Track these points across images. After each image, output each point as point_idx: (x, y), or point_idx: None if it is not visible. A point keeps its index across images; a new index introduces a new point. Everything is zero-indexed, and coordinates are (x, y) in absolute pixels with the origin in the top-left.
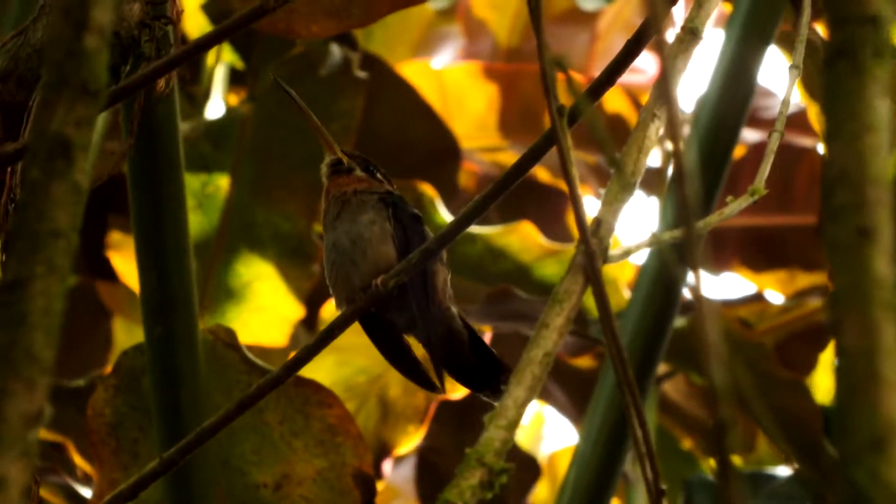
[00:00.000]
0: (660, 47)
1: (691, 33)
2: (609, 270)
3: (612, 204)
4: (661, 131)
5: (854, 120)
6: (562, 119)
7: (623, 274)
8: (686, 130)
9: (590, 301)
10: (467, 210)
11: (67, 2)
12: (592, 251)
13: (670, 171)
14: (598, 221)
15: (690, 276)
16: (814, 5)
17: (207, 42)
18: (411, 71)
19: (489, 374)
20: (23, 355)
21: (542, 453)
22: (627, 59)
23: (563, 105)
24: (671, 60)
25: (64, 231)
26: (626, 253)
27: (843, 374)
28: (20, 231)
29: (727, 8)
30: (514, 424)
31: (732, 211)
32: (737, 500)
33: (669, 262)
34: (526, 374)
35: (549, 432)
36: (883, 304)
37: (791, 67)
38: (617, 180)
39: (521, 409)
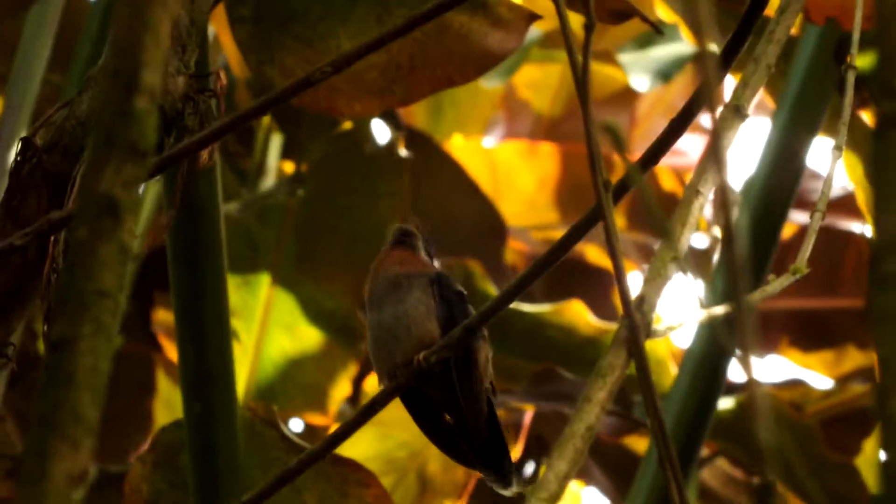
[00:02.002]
0: (712, 115)
1: (736, 111)
2: (655, 351)
3: (656, 280)
4: (709, 212)
5: None
6: (607, 193)
7: (668, 354)
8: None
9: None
10: (511, 285)
11: (118, 64)
12: (636, 325)
13: (716, 253)
14: (641, 297)
15: (738, 352)
16: (859, 93)
17: (250, 114)
18: (460, 149)
19: (493, 452)
20: (69, 415)
21: None
22: (679, 130)
23: (609, 179)
24: (719, 135)
25: (111, 291)
26: (670, 328)
27: (889, 443)
28: (67, 291)
29: (769, 101)
30: (555, 497)
31: (775, 289)
32: None
33: (720, 334)
34: (568, 448)
35: None
36: None
37: (834, 148)
38: (661, 256)
39: (562, 482)
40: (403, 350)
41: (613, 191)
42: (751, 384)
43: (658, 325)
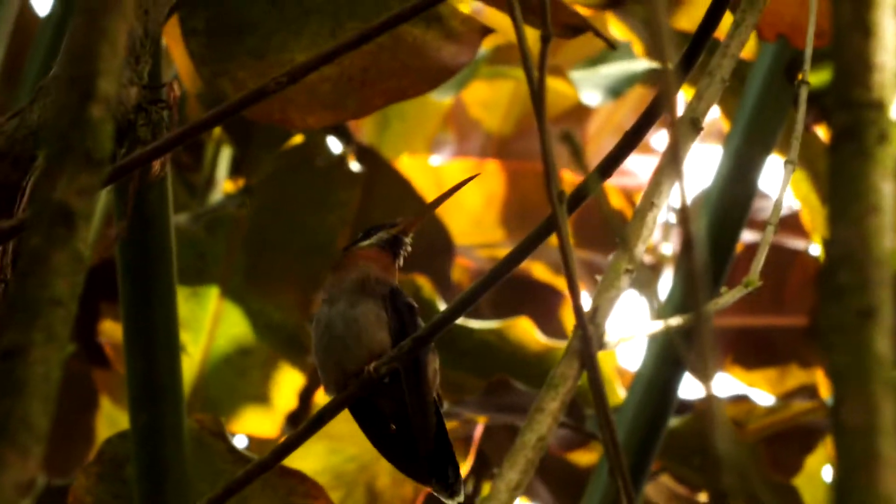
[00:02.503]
0: (670, 124)
1: (692, 123)
2: (602, 369)
3: (610, 291)
4: (660, 222)
5: (858, 201)
6: (561, 204)
7: (615, 374)
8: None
9: (587, 397)
10: (461, 297)
11: (74, 72)
12: (589, 336)
13: (664, 271)
14: (594, 308)
15: (696, 363)
16: (811, 110)
17: (202, 125)
18: (408, 166)
19: (440, 463)
20: (19, 424)
21: None
22: (634, 141)
23: (563, 190)
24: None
25: (64, 300)
26: (623, 339)
27: (842, 453)
28: (19, 299)
29: (725, 125)
30: None
31: (727, 301)
32: None
33: (676, 345)
34: (519, 458)
35: None
36: (884, 383)
37: (787, 162)
38: (615, 267)
39: (513, 493)
40: (353, 359)
41: (568, 202)
42: (709, 396)
43: (610, 337)
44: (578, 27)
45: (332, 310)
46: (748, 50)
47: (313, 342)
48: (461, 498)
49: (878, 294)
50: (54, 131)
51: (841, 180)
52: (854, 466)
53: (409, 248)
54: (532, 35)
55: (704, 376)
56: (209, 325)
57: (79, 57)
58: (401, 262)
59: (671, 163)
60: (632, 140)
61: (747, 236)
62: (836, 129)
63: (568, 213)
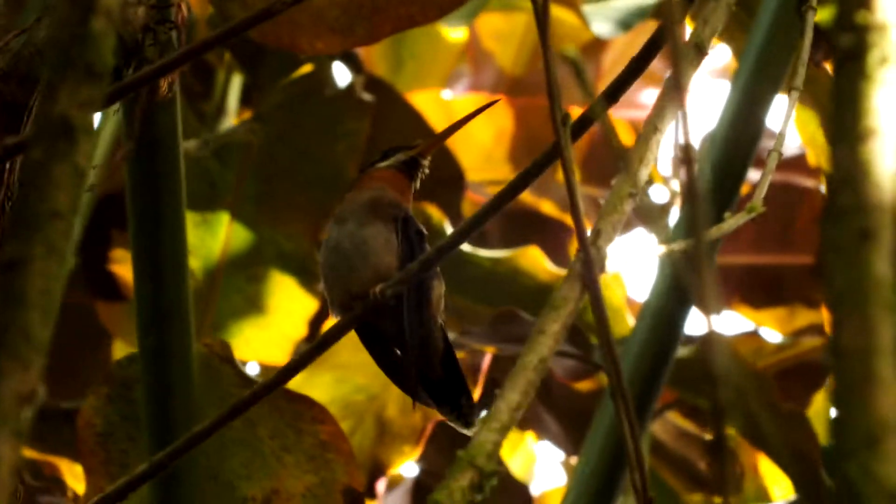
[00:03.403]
0: (673, 48)
1: (696, 48)
2: (611, 300)
3: (613, 215)
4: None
5: (859, 123)
6: (565, 128)
7: (624, 304)
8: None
9: (594, 327)
10: (469, 221)
11: None
12: (591, 258)
13: (675, 207)
14: (597, 231)
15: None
16: (820, 47)
17: (209, 43)
18: (420, 100)
19: (452, 391)
20: (19, 335)
21: (533, 492)
22: (640, 67)
23: (568, 114)
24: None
25: (64, 213)
26: (626, 263)
27: (840, 374)
28: (19, 212)
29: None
30: (506, 428)
31: (731, 226)
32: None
33: (679, 271)
34: (520, 379)
35: (539, 471)
36: (882, 305)
37: (791, 89)
38: (618, 190)
39: (513, 413)
40: (360, 281)
41: (573, 127)
42: (709, 323)
43: (612, 261)
44: None
45: (342, 230)
46: None
47: (321, 261)
48: (475, 426)
49: (878, 216)
50: (55, 45)
51: (842, 102)
52: (852, 387)
53: (427, 171)
54: None
55: (705, 301)
56: (219, 251)
57: None
58: (417, 184)
59: (674, 87)
60: (638, 66)
61: (754, 175)
62: (839, 51)
63: (573, 139)
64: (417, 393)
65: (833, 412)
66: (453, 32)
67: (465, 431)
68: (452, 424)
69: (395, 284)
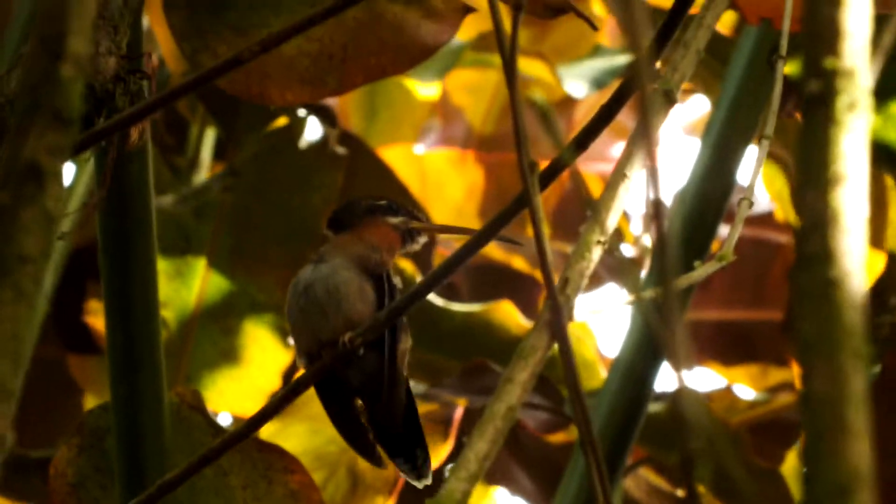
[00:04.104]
0: (642, 95)
1: (665, 95)
2: (582, 354)
3: (580, 263)
4: (641, 214)
5: (828, 169)
6: (533, 175)
7: (597, 359)
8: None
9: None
10: (438, 269)
11: (44, 31)
12: (559, 307)
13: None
14: (565, 279)
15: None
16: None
17: (179, 91)
18: (391, 154)
19: (408, 444)
20: None
21: None
22: (609, 115)
23: (535, 162)
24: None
25: (33, 257)
26: (594, 311)
27: (809, 422)
28: None
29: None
30: (474, 477)
31: (700, 275)
32: None
33: (649, 320)
34: (488, 428)
35: None
36: (852, 353)
37: (762, 138)
38: (586, 239)
39: (482, 462)
40: (330, 328)
41: (541, 175)
42: (679, 377)
43: (581, 310)
44: (559, 7)
45: (315, 271)
46: (728, 27)
47: (288, 303)
48: (429, 480)
49: (846, 262)
50: (24, 90)
51: (810, 148)
52: (822, 437)
53: (416, 248)
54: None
55: (676, 353)
56: (193, 303)
57: (49, 17)
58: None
59: (643, 133)
60: (607, 113)
61: (724, 231)
62: (807, 96)
63: (541, 187)
64: (374, 449)
65: (804, 464)
66: (424, 89)
67: (417, 484)
68: (405, 477)
69: (364, 333)
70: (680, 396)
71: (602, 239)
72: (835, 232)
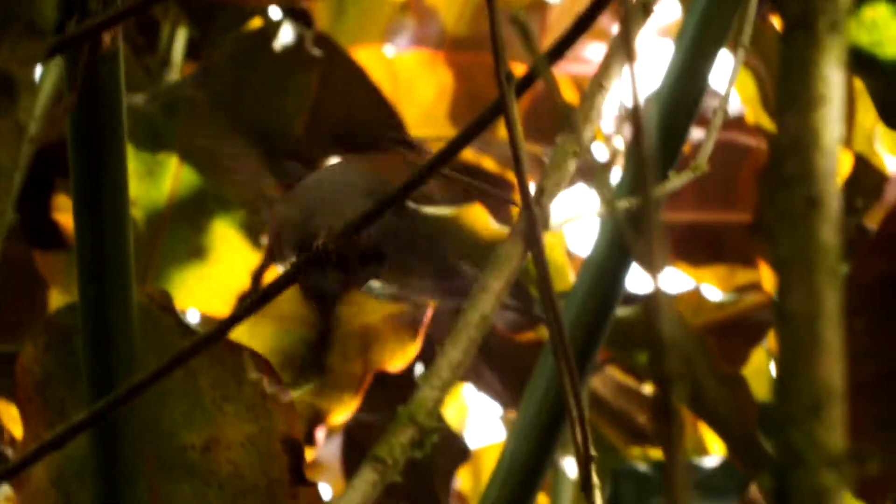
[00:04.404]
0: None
1: (643, 6)
2: (553, 257)
3: (556, 173)
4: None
5: (808, 91)
6: (510, 85)
7: (566, 262)
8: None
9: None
10: (414, 175)
11: None
12: (534, 216)
13: (617, 165)
14: (540, 189)
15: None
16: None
17: None
18: (362, 56)
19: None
20: None
21: (468, 445)
22: (587, 22)
23: (512, 72)
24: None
25: (6, 169)
26: (569, 220)
27: (785, 339)
28: None
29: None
30: (447, 385)
31: (675, 186)
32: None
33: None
34: (462, 336)
35: (474, 424)
36: (828, 272)
37: (738, 47)
38: (562, 148)
39: (455, 370)
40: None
41: (517, 84)
42: (655, 283)
43: (556, 219)
44: None
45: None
46: None
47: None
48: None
49: (825, 184)
50: None
51: (791, 70)
52: (796, 353)
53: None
54: None
55: (651, 261)
56: (164, 203)
57: None
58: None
59: (622, 44)
60: (584, 23)
61: (696, 134)
62: (788, 18)
63: (517, 95)
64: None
65: (776, 378)
66: None
67: None
68: None
69: (338, 239)
70: (654, 306)
71: (578, 149)
72: (814, 153)
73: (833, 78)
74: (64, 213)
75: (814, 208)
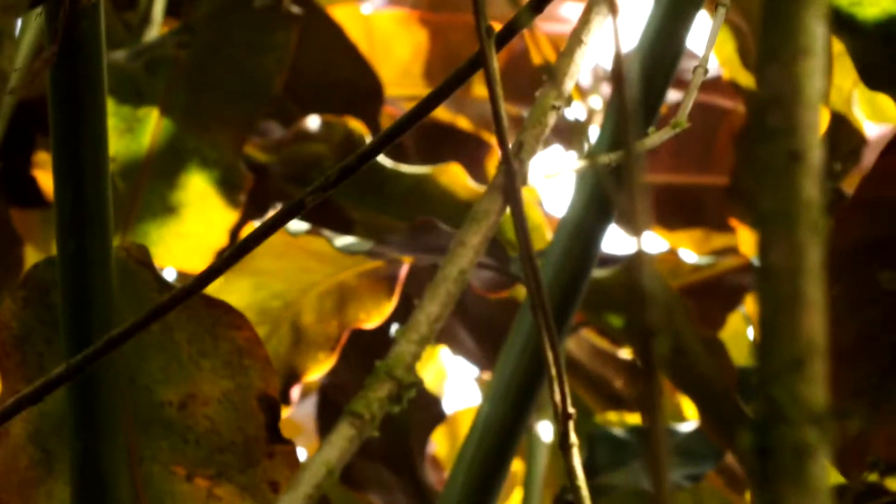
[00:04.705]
0: None
1: None
2: (531, 216)
3: (536, 127)
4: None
5: (790, 43)
6: (490, 39)
7: (544, 222)
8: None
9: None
10: (391, 129)
11: None
12: (513, 170)
13: (594, 123)
14: (519, 143)
15: (625, 203)
16: None
17: None
18: (340, 14)
19: None
20: None
21: (445, 409)
22: None
23: (491, 26)
24: None
25: None
26: (548, 175)
27: (766, 295)
28: None
29: None
30: (425, 339)
31: (654, 142)
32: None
33: (605, 183)
34: (440, 290)
35: (450, 387)
36: (810, 226)
37: (719, 5)
38: (542, 102)
39: (432, 325)
40: None
41: (497, 38)
42: (638, 242)
43: (534, 175)
44: None
45: None
46: None
47: None
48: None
49: (808, 137)
50: None
51: (773, 22)
52: (778, 308)
53: None
54: None
55: (633, 216)
56: (143, 159)
57: None
58: None
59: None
60: None
61: (672, 96)
62: None
63: (497, 49)
64: None
65: (757, 334)
66: None
67: None
68: None
69: (314, 190)
70: (637, 262)
71: (558, 104)
72: (796, 106)
73: (816, 30)
74: (42, 170)
75: (796, 162)
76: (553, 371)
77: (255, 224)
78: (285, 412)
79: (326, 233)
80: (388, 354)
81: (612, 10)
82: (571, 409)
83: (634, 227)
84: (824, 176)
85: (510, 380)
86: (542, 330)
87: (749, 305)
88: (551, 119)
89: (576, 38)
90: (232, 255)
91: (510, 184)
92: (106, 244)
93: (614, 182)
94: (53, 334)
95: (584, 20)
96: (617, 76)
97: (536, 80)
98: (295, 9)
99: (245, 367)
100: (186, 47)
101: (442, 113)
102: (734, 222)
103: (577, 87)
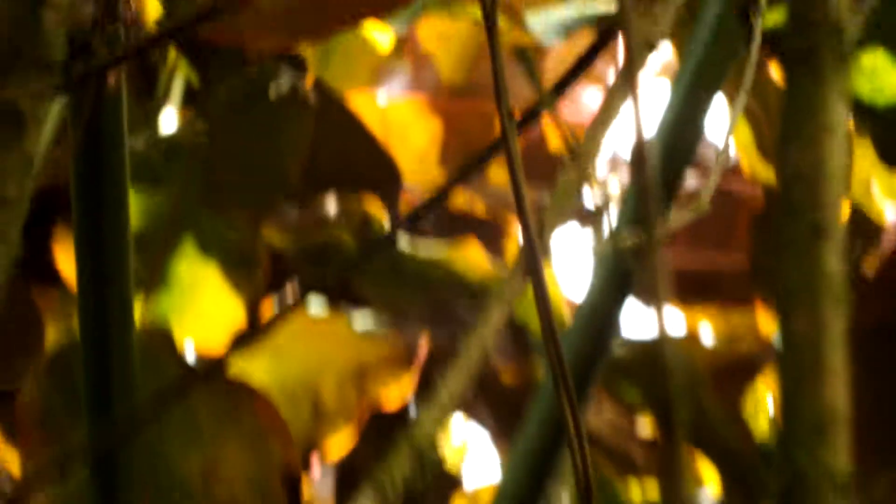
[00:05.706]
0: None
1: (646, 44)
2: (553, 297)
3: (558, 207)
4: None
5: (812, 122)
6: (511, 123)
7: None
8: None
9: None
10: (414, 210)
11: None
12: (535, 248)
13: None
14: (541, 223)
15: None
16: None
17: (157, 38)
18: (357, 102)
19: None
20: None
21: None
22: (590, 58)
23: (512, 110)
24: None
25: (13, 199)
26: (571, 251)
27: (788, 364)
28: None
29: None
30: (446, 412)
31: (676, 223)
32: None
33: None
34: (463, 365)
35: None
36: (833, 298)
37: (740, 91)
38: (565, 183)
39: (455, 400)
40: None
41: (519, 122)
42: (660, 320)
43: (557, 254)
44: None
45: None
46: None
47: None
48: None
49: (830, 212)
50: (6, 38)
51: (795, 102)
52: (801, 377)
53: None
54: None
55: (657, 296)
56: (161, 242)
57: None
58: None
59: (626, 82)
60: (587, 60)
61: (692, 183)
62: (790, 52)
63: (519, 131)
64: None
65: (779, 403)
66: (380, 35)
67: None
68: None
69: (336, 273)
70: (661, 342)
71: (580, 187)
72: (819, 181)
73: (837, 109)
74: (61, 251)
75: (819, 236)
76: (574, 439)
77: (273, 301)
78: (306, 490)
79: (345, 313)
80: (410, 427)
81: (633, 90)
82: (592, 472)
83: (657, 305)
84: (846, 253)
85: (530, 448)
86: (562, 398)
87: (760, 387)
88: (571, 202)
89: (598, 121)
90: (252, 336)
91: (532, 257)
92: (128, 331)
93: (637, 262)
94: (76, 414)
95: (607, 104)
96: (638, 158)
97: (552, 168)
98: (311, 98)
99: (267, 445)
100: (203, 136)
101: (458, 199)
102: (753, 304)
103: (595, 172)
